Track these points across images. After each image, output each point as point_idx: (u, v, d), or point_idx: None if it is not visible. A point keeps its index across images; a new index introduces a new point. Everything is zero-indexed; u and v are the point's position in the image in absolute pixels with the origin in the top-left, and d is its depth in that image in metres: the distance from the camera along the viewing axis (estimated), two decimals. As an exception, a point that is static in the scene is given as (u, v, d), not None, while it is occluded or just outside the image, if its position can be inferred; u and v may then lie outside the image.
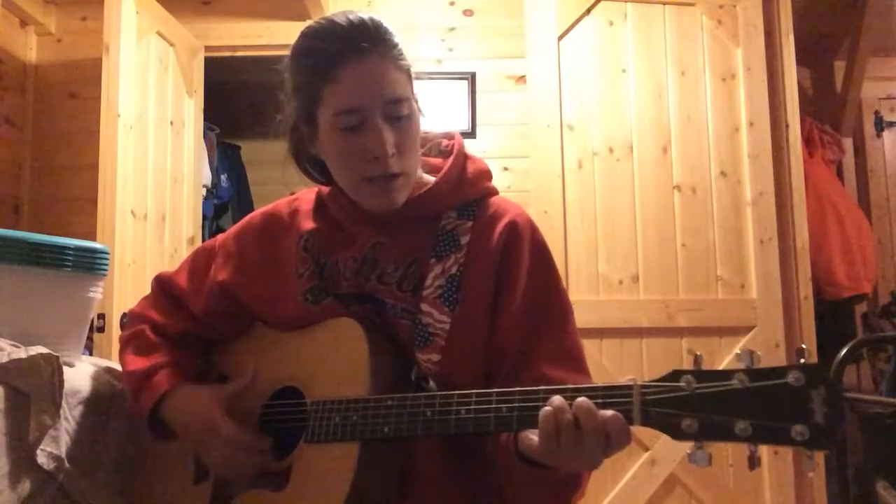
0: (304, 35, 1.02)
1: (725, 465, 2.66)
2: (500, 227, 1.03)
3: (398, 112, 0.99)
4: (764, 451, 2.66)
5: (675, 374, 0.76)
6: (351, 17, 0.99)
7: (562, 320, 1.02)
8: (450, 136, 1.14)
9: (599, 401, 0.79)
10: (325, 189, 1.12)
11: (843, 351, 2.17)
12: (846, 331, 3.33)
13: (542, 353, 0.98)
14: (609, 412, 0.77)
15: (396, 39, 1.00)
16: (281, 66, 1.06)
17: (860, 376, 3.39)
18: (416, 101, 1.04)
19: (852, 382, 3.31)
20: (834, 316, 3.31)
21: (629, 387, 0.78)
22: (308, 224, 1.11)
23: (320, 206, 1.13)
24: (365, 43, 0.97)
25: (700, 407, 0.74)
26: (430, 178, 1.08)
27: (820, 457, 2.72)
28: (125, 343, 1.18)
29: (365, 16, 0.99)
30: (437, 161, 1.11)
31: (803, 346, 0.73)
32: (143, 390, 1.10)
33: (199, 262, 1.20)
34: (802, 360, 0.71)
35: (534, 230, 1.06)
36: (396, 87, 0.99)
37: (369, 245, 1.05)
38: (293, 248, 1.10)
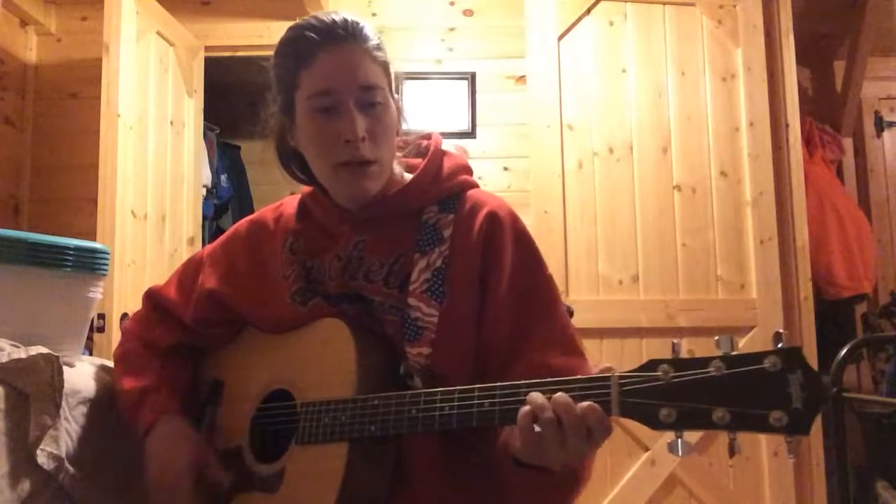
0: (288, 29, 1.07)
1: (725, 465, 2.66)
2: (480, 217, 1.04)
3: (371, 99, 1.02)
4: (763, 450, 2.66)
5: (652, 364, 0.76)
6: (334, 14, 1.04)
7: (550, 305, 1.03)
8: (427, 137, 1.16)
9: (577, 393, 0.79)
10: (307, 192, 1.14)
11: (843, 351, 2.17)
12: (846, 331, 3.32)
13: (535, 339, 0.98)
14: (586, 404, 0.77)
15: (375, 36, 1.05)
16: (268, 64, 1.09)
17: (860, 376, 3.39)
18: (393, 96, 1.07)
19: (852, 382, 3.31)
20: (834, 316, 3.31)
21: (606, 378, 0.78)
22: (292, 227, 1.13)
23: (303, 208, 1.15)
24: (342, 32, 1.01)
25: (677, 396, 0.73)
26: (409, 177, 1.10)
27: (820, 457, 2.72)
28: (117, 361, 1.20)
29: (348, 16, 1.04)
30: (416, 161, 1.13)
31: (780, 330, 0.72)
32: (136, 415, 1.11)
33: (188, 274, 1.22)
34: (780, 345, 0.71)
35: (514, 219, 1.07)
36: (370, 75, 1.02)
37: (353, 243, 1.06)
38: (279, 252, 1.12)
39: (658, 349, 2.64)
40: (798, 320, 2.79)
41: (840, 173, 3.67)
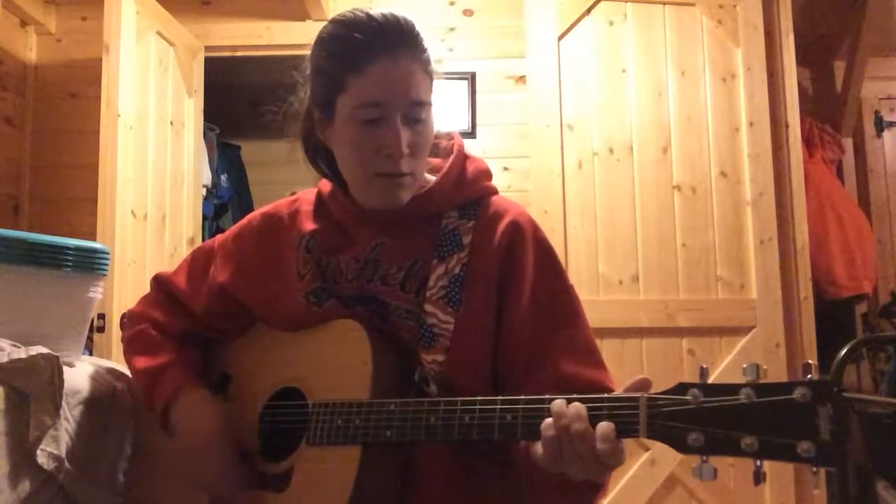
0: (337, 22, 1.01)
1: (726, 465, 2.65)
2: (502, 226, 1.03)
3: (418, 115, 0.99)
4: (764, 451, 2.66)
5: (682, 388, 0.76)
6: (387, 13, 0.99)
7: (572, 316, 1.02)
8: (450, 137, 1.14)
9: (605, 412, 0.79)
10: (326, 189, 1.12)
11: (843, 351, 2.16)
12: (846, 331, 3.32)
13: (557, 349, 0.97)
14: (603, 423, 0.77)
15: (427, 45, 1.01)
16: (307, 54, 1.05)
17: (860, 376, 3.39)
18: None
19: (852, 382, 3.31)
20: (834, 316, 3.31)
21: (635, 398, 0.78)
22: (309, 225, 1.10)
23: (321, 206, 1.12)
24: (399, 41, 0.97)
25: (706, 421, 0.73)
26: (431, 178, 1.08)
27: (820, 457, 2.72)
28: (128, 343, 1.18)
29: (400, 15, 0.99)
30: (437, 161, 1.11)
31: (810, 361, 0.72)
32: (153, 390, 1.11)
33: (198, 264, 1.20)
34: (809, 376, 0.71)
35: (535, 229, 1.06)
36: (421, 90, 0.99)
37: (371, 246, 1.05)
38: (294, 249, 1.09)
39: (658, 349, 2.65)
40: (798, 320, 2.79)
41: (840, 173, 3.67)
